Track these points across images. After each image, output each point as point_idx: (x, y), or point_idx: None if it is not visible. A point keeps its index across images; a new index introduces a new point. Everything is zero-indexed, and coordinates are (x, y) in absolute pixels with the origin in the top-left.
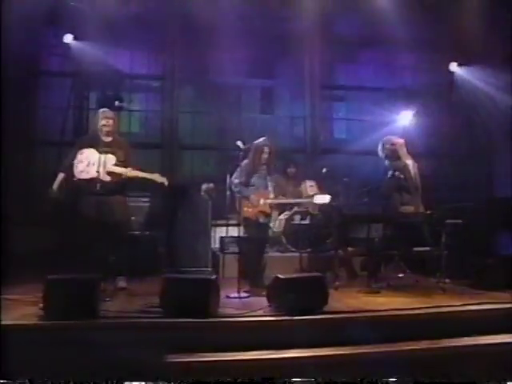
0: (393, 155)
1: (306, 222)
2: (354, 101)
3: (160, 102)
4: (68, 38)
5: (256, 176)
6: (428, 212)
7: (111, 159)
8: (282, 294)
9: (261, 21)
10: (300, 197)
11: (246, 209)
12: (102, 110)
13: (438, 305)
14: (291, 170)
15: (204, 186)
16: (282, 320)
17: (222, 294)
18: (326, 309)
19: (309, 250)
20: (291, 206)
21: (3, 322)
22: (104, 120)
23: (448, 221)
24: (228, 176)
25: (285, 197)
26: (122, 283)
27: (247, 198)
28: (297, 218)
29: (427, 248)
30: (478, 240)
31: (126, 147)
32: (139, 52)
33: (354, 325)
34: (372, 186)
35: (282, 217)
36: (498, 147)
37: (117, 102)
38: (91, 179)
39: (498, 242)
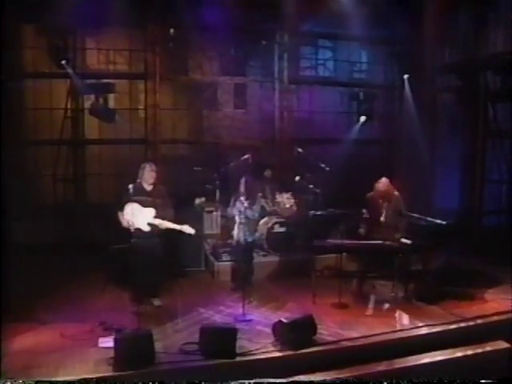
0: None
1: (284, 230)
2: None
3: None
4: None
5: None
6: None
7: (151, 212)
8: (286, 334)
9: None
10: (278, 207)
11: None
12: (146, 164)
13: (397, 329)
14: (268, 173)
15: (197, 201)
16: (289, 354)
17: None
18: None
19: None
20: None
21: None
22: (148, 173)
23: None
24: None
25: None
26: (158, 302)
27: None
28: (276, 226)
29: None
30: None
31: (164, 194)
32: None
33: (341, 352)
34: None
35: (263, 225)
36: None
37: (109, 113)
38: (136, 229)
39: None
